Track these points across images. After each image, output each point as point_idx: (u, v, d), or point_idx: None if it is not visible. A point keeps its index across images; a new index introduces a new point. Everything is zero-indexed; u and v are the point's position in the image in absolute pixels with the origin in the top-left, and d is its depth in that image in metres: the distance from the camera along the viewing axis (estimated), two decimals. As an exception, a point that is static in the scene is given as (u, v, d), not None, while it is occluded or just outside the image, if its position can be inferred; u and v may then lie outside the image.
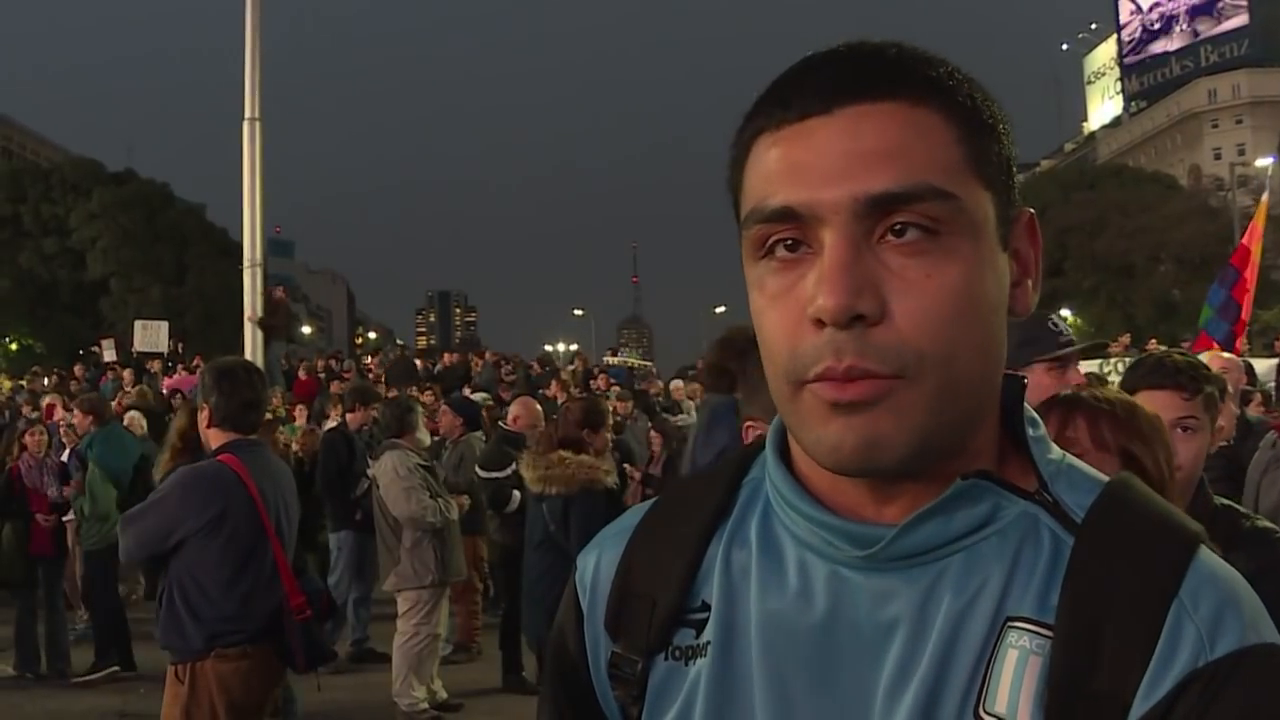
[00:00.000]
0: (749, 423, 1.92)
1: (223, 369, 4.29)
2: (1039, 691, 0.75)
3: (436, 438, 9.07)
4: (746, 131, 0.83)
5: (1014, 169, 0.84)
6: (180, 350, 26.71)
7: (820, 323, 0.76)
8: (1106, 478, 0.85)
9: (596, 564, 0.96)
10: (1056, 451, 0.86)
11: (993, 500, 0.81)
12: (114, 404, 12.53)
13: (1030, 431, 0.85)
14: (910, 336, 0.75)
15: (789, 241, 0.79)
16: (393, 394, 11.20)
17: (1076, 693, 0.74)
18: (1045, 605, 0.77)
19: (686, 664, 0.88)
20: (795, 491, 0.86)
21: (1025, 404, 0.86)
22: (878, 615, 0.80)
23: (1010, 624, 0.78)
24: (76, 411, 8.74)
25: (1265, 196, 11.88)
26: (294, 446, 9.66)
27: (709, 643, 0.87)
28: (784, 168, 0.78)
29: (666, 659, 0.89)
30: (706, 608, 0.89)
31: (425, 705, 6.86)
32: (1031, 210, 0.86)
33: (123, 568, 8.88)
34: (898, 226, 0.76)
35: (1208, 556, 0.78)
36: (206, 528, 3.93)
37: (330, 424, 10.86)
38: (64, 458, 8.57)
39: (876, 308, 0.75)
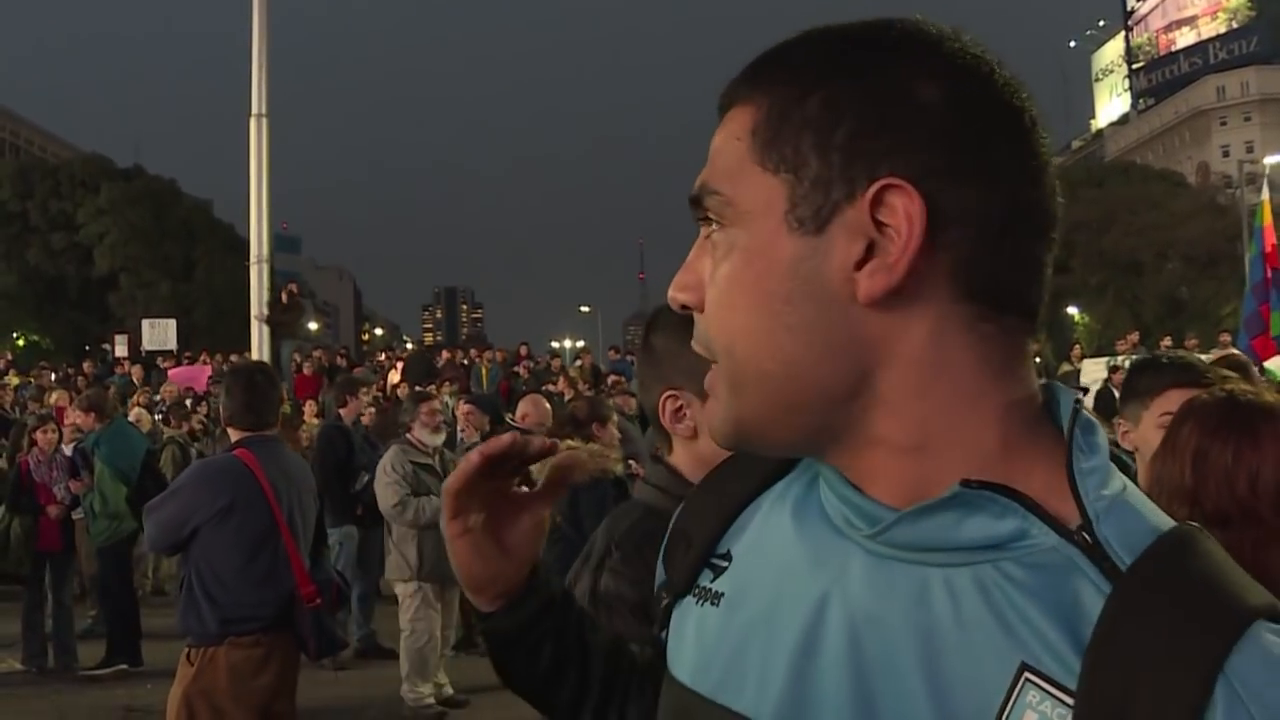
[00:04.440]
0: (670, 393, 1.77)
1: (233, 370, 4.71)
2: None
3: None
4: None
5: (884, 133, 0.76)
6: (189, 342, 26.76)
7: None
8: (1167, 524, 0.75)
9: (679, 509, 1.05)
10: (1115, 485, 0.76)
11: (1018, 523, 0.74)
12: (132, 401, 12.63)
13: (1082, 462, 0.76)
14: (702, 324, 0.84)
15: None
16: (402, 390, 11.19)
17: None
18: (1066, 665, 0.69)
19: (698, 602, 0.92)
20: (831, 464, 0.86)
21: (1079, 431, 0.78)
22: (868, 602, 0.78)
23: (1029, 678, 0.70)
24: (78, 410, 8.73)
25: (1265, 196, 11.68)
26: (303, 442, 9.68)
27: (722, 594, 0.90)
28: None
29: (689, 596, 0.94)
30: (728, 557, 0.92)
31: (430, 700, 6.89)
32: (895, 181, 0.75)
33: (134, 560, 8.94)
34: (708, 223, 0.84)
35: (1271, 635, 0.67)
36: (218, 516, 4.13)
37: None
38: (68, 453, 8.57)
39: (697, 299, 0.84)
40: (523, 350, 21.51)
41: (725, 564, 0.92)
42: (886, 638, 0.76)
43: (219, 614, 4.07)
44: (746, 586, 0.88)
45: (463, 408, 9.10)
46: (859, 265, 0.76)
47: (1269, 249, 10.26)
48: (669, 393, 1.77)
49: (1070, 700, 0.68)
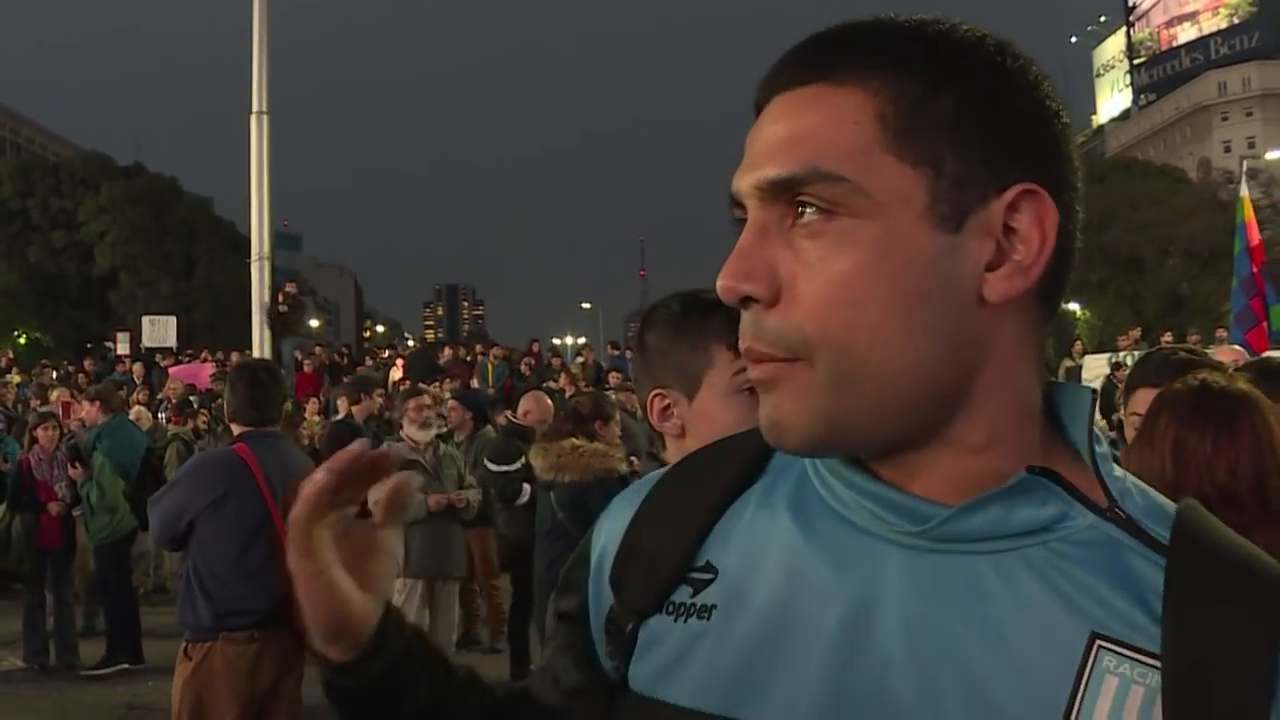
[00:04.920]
0: (657, 393, 1.78)
1: (237, 367, 4.83)
2: None
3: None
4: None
5: (1012, 138, 0.78)
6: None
7: None
8: (1169, 501, 0.82)
9: (610, 525, 0.97)
10: (1119, 469, 0.83)
11: (1060, 506, 0.78)
12: (132, 399, 12.66)
13: (1097, 448, 0.82)
14: (801, 319, 0.77)
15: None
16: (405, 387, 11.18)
17: None
18: (1137, 629, 0.74)
19: (677, 620, 0.87)
20: (843, 460, 0.84)
21: (1095, 419, 0.83)
22: (919, 598, 0.78)
23: (1103, 645, 0.74)
24: (84, 401, 8.79)
25: (1244, 193, 11.69)
26: (304, 439, 9.68)
27: (714, 606, 0.85)
28: (742, 156, 0.82)
29: (661, 614, 0.88)
30: (710, 569, 0.87)
31: None
32: (1031, 186, 0.78)
33: (133, 559, 8.96)
34: (800, 210, 0.77)
35: None
36: (211, 507, 4.23)
37: (338, 417, 10.87)
38: (65, 448, 8.56)
39: (768, 291, 0.77)
40: (534, 347, 21.39)
41: (708, 576, 0.87)
42: (946, 629, 0.77)
43: (214, 608, 4.13)
44: (746, 595, 0.84)
45: (449, 403, 9.11)
46: (990, 267, 0.78)
47: (1253, 245, 10.40)
48: (656, 391, 1.78)
49: (1152, 661, 0.73)
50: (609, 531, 0.96)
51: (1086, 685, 0.73)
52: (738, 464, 0.92)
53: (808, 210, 0.77)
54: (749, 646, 0.82)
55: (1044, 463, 0.79)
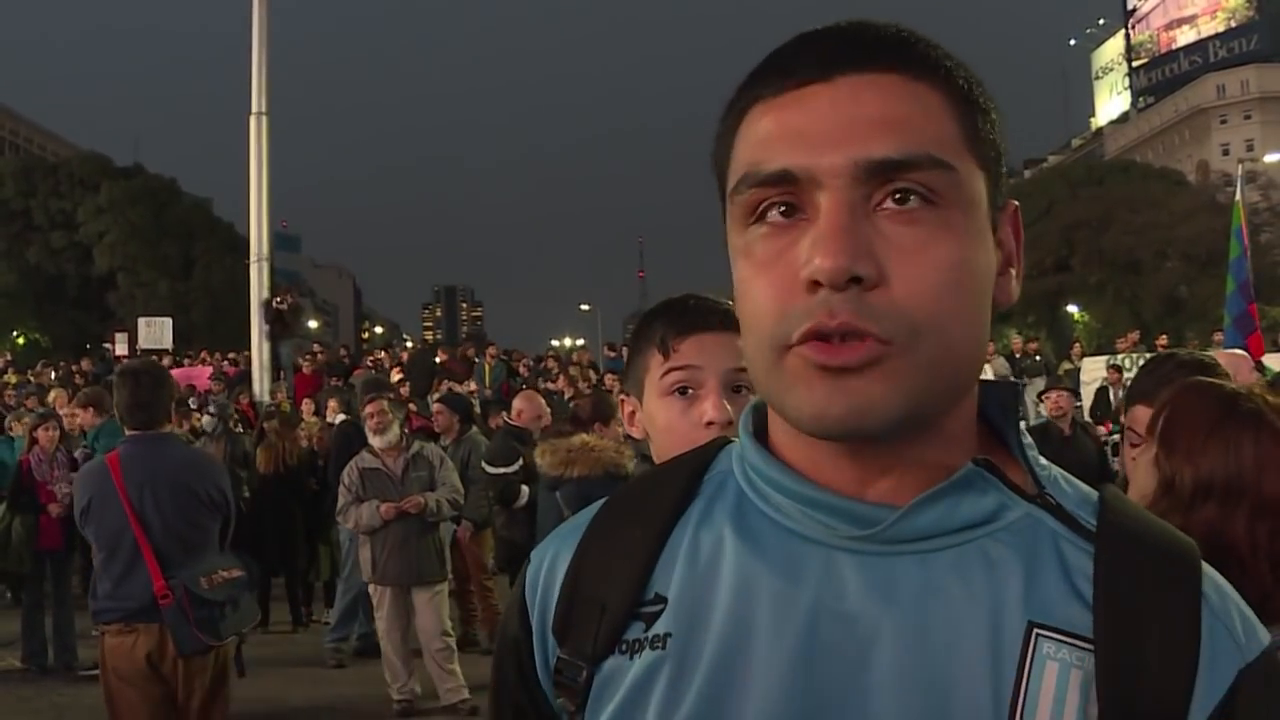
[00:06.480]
0: (621, 398, 1.91)
1: (120, 371, 5.01)
2: (1082, 706, 0.75)
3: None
4: (741, 102, 0.82)
5: (1003, 159, 0.84)
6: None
7: (815, 285, 0.74)
8: (1091, 489, 0.86)
9: (548, 568, 0.93)
10: (1044, 460, 0.86)
11: (997, 496, 0.81)
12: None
13: (1023, 439, 0.85)
14: (906, 303, 0.75)
15: (783, 207, 0.78)
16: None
17: (1130, 706, 0.74)
18: (1072, 615, 0.77)
19: (632, 657, 0.85)
20: (781, 470, 0.84)
21: (1022, 412, 0.87)
22: (874, 601, 0.78)
23: (1040, 633, 0.76)
24: (77, 406, 8.77)
25: (1239, 197, 11.72)
26: (303, 441, 9.66)
27: (668, 634, 0.84)
28: (781, 133, 0.78)
29: (615, 655, 0.86)
30: (660, 600, 0.86)
31: (402, 698, 6.99)
32: (1016, 203, 0.86)
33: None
34: (898, 195, 0.76)
35: (1206, 565, 0.82)
36: (83, 516, 4.56)
37: (332, 419, 10.84)
38: (75, 453, 8.56)
39: (874, 271, 0.74)
40: (576, 356, 21.48)
41: (658, 607, 0.85)
42: (904, 630, 0.77)
43: (95, 605, 4.47)
44: (700, 617, 0.83)
45: (435, 407, 9.08)
46: (998, 273, 0.83)
47: (1246, 248, 10.45)
48: (622, 398, 1.88)
49: (1086, 645, 0.76)
50: (550, 580, 0.93)
51: (1029, 672, 0.76)
52: (672, 490, 0.91)
53: (911, 196, 0.76)
54: (710, 667, 0.81)
55: (980, 450, 0.83)
